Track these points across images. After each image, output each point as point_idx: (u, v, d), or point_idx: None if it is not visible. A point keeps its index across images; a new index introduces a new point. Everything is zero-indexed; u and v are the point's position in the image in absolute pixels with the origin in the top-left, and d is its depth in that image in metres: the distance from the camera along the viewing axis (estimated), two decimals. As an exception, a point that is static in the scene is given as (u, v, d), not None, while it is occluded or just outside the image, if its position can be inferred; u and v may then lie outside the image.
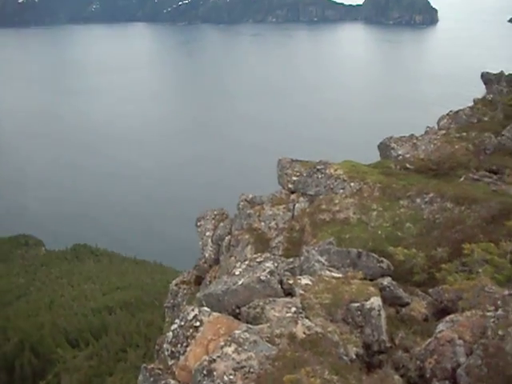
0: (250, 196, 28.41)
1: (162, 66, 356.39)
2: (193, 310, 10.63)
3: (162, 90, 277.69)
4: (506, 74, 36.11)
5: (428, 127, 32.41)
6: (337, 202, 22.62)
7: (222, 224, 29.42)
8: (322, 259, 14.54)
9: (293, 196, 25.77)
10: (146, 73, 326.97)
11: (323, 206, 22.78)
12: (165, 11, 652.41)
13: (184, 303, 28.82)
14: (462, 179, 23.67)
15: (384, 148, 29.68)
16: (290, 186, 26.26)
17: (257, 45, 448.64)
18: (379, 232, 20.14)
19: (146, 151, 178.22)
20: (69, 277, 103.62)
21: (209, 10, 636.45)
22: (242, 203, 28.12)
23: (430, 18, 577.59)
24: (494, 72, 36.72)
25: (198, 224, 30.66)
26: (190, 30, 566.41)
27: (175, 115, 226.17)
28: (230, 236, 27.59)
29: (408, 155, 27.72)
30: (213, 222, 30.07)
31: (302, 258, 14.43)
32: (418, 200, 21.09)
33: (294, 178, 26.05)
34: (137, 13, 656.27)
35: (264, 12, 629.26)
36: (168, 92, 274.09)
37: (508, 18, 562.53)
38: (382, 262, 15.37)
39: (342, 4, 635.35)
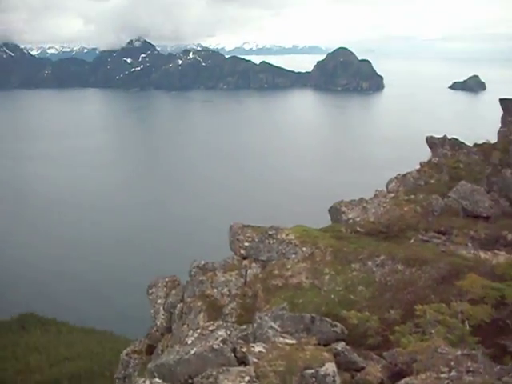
0: (202, 262, 28.25)
1: (115, 132, 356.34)
2: (144, 381, 10.31)
3: (114, 156, 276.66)
4: (449, 137, 37.43)
5: (377, 190, 33.04)
6: (289, 266, 22.62)
7: (173, 291, 28.97)
8: (276, 325, 14.41)
9: (245, 262, 25.66)
10: (99, 138, 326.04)
11: (276, 272, 22.74)
12: (117, 77, 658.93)
13: (135, 374, 27.94)
14: (411, 241, 24.07)
15: (335, 212, 30.04)
16: (242, 251, 26.17)
17: (208, 111, 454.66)
18: (332, 296, 20.15)
19: (96, 217, 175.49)
20: (13, 348, 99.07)
21: (161, 77, 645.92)
22: (194, 270, 27.90)
23: (376, 84, 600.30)
24: (438, 136, 38.01)
25: (150, 292, 30.12)
26: (143, 96, 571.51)
27: (126, 181, 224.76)
28: (182, 303, 27.14)
29: (358, 218, 28.10)
30: (164, 289, 29.58)
31: (255, 324, 14.28)
32: (370, 263, 21.28)
33: (246, 244, 26.00)
34: (89, 78, 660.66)
35: (215, 79, 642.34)
36: (120, 158, 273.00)
37: (448, 85, 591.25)
38: (335, 326, 15.34)
39: (291, 71, 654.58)
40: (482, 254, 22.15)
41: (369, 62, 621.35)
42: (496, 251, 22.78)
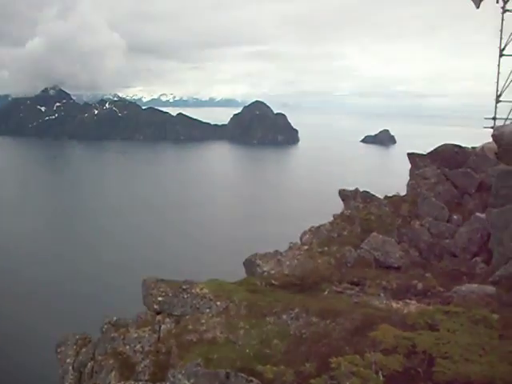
0: (115, 318, 27.41)
1: (25, 182, 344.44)
2: None
3: (24, 207, 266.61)
4: (361, 190, 38.61)
5: (291, 243, 33.36)
6: (203, 321, 22.33)
7: (84, 349, 27.82)
8: (189, 383, 14.02)
9: (159, 317, 25.13)
10: (7, 188, 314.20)
11: (190, 327, 22.37)
12: (30, 125, 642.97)
13: None
14: (325, 293, 24.30)
15: (249, 265, 30.02)
16: (155, 306, 25.64)
17: (123, 162, 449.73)
18: (247, 350, 19.91)
19: (2, 269, 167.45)
20: None
21: (76, 126, 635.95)
22: (105, 326, 26.99)
23: (291, 137, 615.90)
24: (350, 189, 39.14)
25: (58, 350, 28.79)
26: (56, 145, 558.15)
27: (35, 232, 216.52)
28: (92, 362, 26.08)
29: (273, 271, 28.19)
30: (74, 347, 28.39)
31: (168, 383, 13.83)
32: (284, 316, 21.26)
33: (160, 299, 25.52)
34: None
35: (131, 130, 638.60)
36: (31, 209, 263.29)
37: (360, 139, 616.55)
38: (251, 381, 15.13)
39: (208, 124, 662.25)
40: (394, 304, 22.61)
41: (284, 115, 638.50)
42: (407, 300, 23.32)
